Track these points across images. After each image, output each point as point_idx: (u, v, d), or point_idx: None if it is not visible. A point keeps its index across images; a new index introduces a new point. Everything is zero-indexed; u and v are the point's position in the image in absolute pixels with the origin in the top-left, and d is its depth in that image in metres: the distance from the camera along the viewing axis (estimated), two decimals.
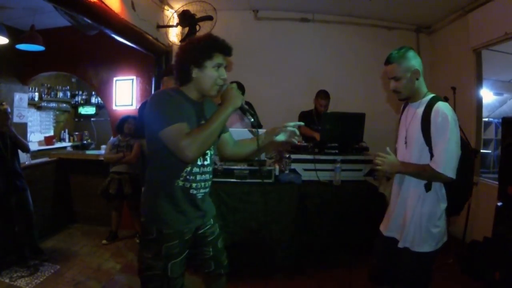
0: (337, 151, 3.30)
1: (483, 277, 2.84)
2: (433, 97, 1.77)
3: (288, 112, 4.41)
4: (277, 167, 3.10)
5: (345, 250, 3.18)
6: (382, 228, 2.00)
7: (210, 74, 1.57)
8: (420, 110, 1.77)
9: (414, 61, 1.77)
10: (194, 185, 1.65)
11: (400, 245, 1.79)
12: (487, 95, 4.83)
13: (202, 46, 1.56)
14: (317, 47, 4.73)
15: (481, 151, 4.06)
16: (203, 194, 1.71)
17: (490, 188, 3.41)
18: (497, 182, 2.86)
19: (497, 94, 5.16)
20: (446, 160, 1.64)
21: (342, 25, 4.71)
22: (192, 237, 1.71)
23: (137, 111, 3.22)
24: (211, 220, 1.82)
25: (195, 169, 1.64)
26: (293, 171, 3.17)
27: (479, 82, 3.92)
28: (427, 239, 1.75)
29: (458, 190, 1.78)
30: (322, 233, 3.01)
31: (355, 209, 3.08)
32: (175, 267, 1.61)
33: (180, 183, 1.61)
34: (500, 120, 3.36)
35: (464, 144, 1.79)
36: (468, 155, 1.80)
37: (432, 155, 1.70)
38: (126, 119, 3.91)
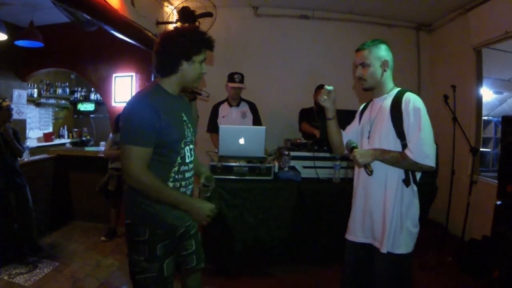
0: None
1: (482, 276, 2.84)
2: (400, 90, 1.74)
3: (287, 109, 4.42)
4: (276, 164, 3.10)
5: (344, 248, 3.18)
6: (350, 236, 1.88)
7: (196, 68, 1.59)
8: (387, 102, 1.72)
9: (385, 52, 1.74)
10: (183, 183, 1.65)
11: (383, 250, 1.67)
12: (487, 94, 4.82)
13: (192, 41, 1.56)
14: (317, 44, 4.72)
15: (481, 149, 4.06)
16: (191, 189, 1.71)
17: (489, 186, 3.41)
18: (496, 181, 2.86)
19: (497, 92, 5.15)
20: (423, 149, 1.58)
21: (342, 23, 4.70)
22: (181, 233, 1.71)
23: None
24: None
25: (183, 167, 1.63)
26: (293, 168, 3.17)
27: (479, 80, 3.91)
28: (407, 239, 1.68)
29: (427, 189, 1.73)
30: (321, 230, 3.01)
31: None
32: (169, 266, 1.60)
33: (170, 185, 1.59)
34: (500, 119, 3.36)
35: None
36: (437, 154, 1.71)
37: (403, 148, 1.64)
38: (119, 116, 3.90)
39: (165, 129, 1.51)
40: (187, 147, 1.64)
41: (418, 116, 1.60)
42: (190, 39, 1.55)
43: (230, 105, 3.70)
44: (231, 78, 3.60)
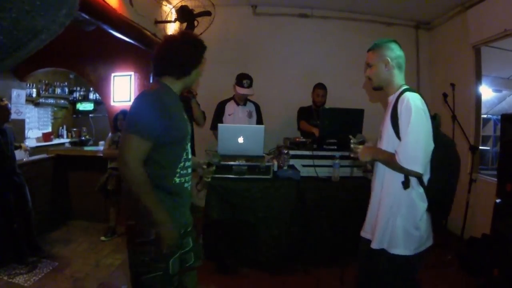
0: (335, 147, 3.29)
1: (482, 274, 2.84)
2: (404, 89, 1.72)
3: (286, 107, 4.42)
4: (275, 163, 3.10)
5: (344, 246, 3.18)
6: (362, 231, 1.90)
7: (198, 72, 1.72)
8: (392, 102, 1.74)
9: (389, 52, 1.76)
10: (187, 178, 1.67)
11: (373, 246, 1.68)
12: (486, 92, 4.83)
13: (200, 51, 1.69)
14: (316, 43, 4.72)
15: (480, 147, 4.06)
16: (190, 185, 1.73)
17: (488, 185, 3.41)
18: (495, 179, 2.86)
19: (496, 90, 5.16)
20: (409, 153, 1.54)
21: (341, 21, 4.70)
22: None
23: None
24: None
25: (187, 163, 1.66)
26: (292, 167, 3.17)
27: (478, 78, 3.91)
28: (405, 241, 1.65)
29: (436, 192, 1.65)
30: (321, 229, 3.01)
31: (354, 206, 3.07)
32: (175, 264, 1.61)
33: (177, 180, 1.60)
34: (499, 117, 3.36)
35: (445, 141, 1.70)
36: (449, 153, 1.68)
37: None
38: (116, 115, 3.91)
39: (175, 125, 1.56)
40: (189, 143, 1.72)
41: (408, 117, 1.56)
42: (199, 49, 1.69)
43: (237, 104, 3.68)
44: (239, 82, 3.52)
